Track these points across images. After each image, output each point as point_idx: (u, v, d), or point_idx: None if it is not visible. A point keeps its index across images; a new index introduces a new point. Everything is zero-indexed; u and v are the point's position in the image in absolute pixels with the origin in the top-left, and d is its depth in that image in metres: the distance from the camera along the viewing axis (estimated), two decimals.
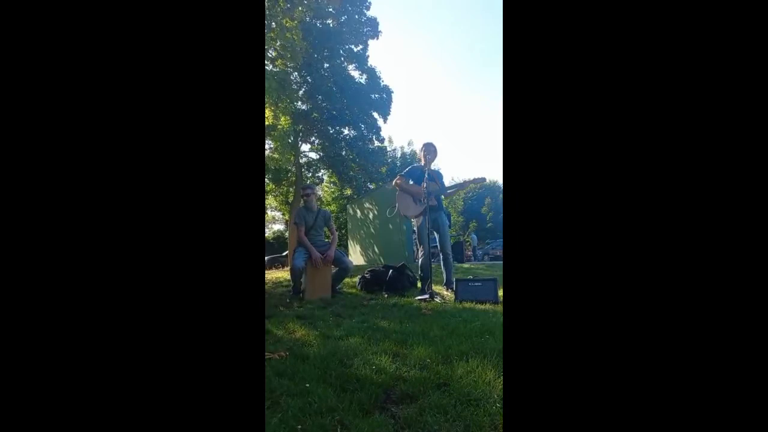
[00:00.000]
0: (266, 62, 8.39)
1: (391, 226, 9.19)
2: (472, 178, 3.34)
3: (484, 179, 3.27)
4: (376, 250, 10.05)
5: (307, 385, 1.22)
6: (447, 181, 3.55)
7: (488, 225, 28.23)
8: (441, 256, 3.55)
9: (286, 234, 16.34)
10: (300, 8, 6.29)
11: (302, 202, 3.72)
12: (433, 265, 3.53)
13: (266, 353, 1.56)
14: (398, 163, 21.27)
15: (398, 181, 3.61)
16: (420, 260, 3.42)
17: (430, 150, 3.52)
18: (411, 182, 3.51)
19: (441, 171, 3.68)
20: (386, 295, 3.37)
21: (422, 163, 3.52)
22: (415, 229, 3.64)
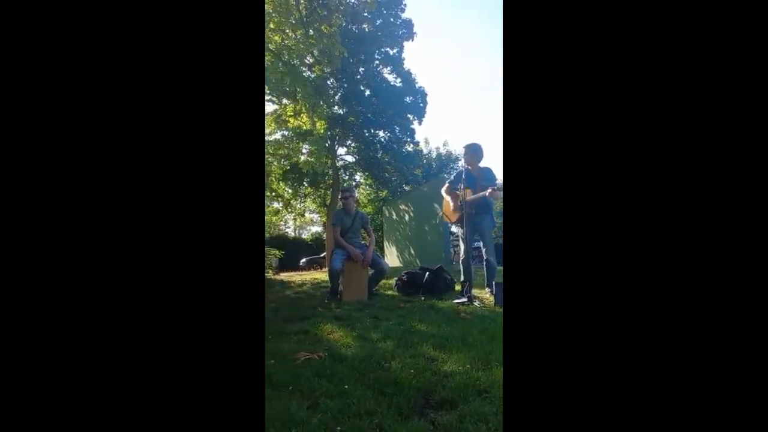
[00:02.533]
0: (304, 69, 8.63)
1: (427, 228, 9.12)
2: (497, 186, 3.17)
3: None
4: (412, 252, 9.98)
5: (346, 386, 1.23)
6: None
7: None
8: (484, 260, 3.44)
9: (324, 236, 16.67)
10: (337, 15, 6.41)
11: (341, 204, 3.77)
12: (473, 268, 3.45)
13: (305, 353, 1.59)
14: (434, 165, 21.09)
15: (444, 190, 3.56)
16: (459, 263, 3.35)
17: (468, 152, 3.43)
18: (461, 186, 3.38)
19: (492, 169, 3.45)
20: (423, 298, 3.34)
21: (467, 166, 3.43)
22: (454, 230, 3.56)
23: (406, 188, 13.98)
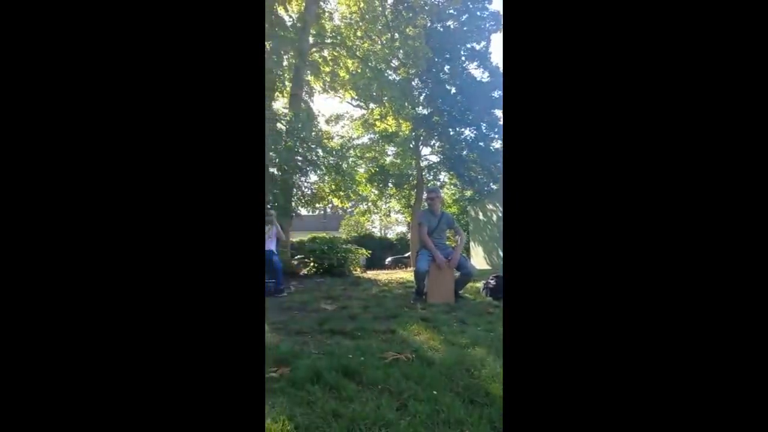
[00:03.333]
0: (390, 72, 8.83)
1: None
2: None
3: None
4: (501, 254, 9.52)
5: (435, 392, 1.20)
6: None
7: None
8: None
9: (408, 236, 16.86)
10: (422, 15, 6.43)
11: (425, 204, 3.76)
12: None
13: (393, 353, 1.61)
14: None
15: None
16: None
17: None
18: None
19: None
20: None
21: None
22: None
23: (493, 187, 13.22)
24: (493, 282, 3.64)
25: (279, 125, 6.02)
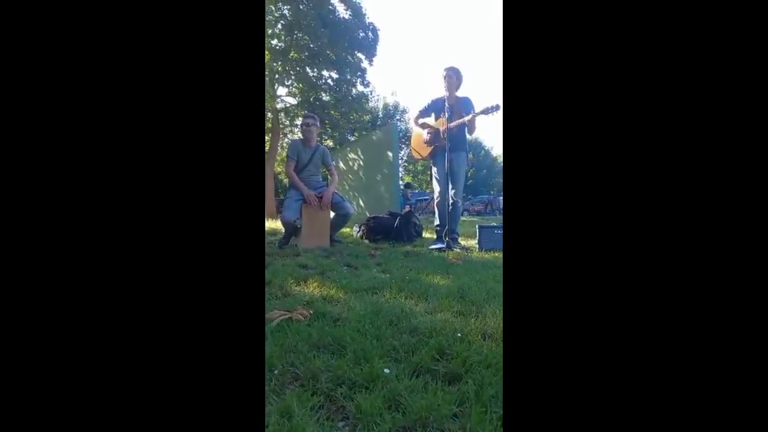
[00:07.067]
0: None
1: (379, 177, 8.17)
2: (485, 107, 2.75)
3: (498, 106, 2.70)
4: (362, 203, 9.15)
5: (368, 363, 0.79)
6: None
7: (469, 182, 27.97)
8: (451, 202, 3.04)
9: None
10: None
11: (300, 133, 3.24)
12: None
13: (280, 312, 1.15)
14: (380, 114, 21.20)
15: (413, 120, 3.23)
16: (435, 206, 3.10)
17: (451, 75, 2.97)
18: (433, 117, 3.08)
19: (471, 99, 3.10)
20: (392, 245, 3.02)
21: (446, 94, 2.97)
22: (431, 171, 3.17)
23: (351, 138, 13.24)
24: (371, 223, 3.43)
25: None
